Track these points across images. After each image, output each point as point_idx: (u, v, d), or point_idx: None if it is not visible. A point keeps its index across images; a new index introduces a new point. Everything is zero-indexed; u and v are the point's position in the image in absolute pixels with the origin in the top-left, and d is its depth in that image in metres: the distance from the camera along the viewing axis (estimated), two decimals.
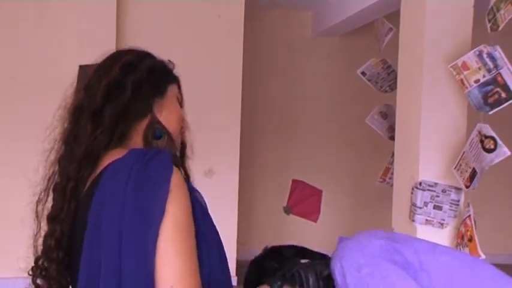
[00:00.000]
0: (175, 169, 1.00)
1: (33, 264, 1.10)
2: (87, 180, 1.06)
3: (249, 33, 4.09)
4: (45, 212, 1.10)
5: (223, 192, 3.79)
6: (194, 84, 3.80)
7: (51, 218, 1.07)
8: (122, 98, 1.08)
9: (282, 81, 4.86)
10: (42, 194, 1.11)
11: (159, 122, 1.12)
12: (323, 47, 4.90)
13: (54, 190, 1.09)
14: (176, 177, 0.99)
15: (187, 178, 1.21)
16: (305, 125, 4.83)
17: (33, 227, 1.11)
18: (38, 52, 3.57)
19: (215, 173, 3.82)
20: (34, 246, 1.10)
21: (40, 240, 1.09)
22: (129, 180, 0.96)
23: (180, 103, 1.22)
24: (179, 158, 1.22)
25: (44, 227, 1.09)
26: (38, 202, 1.11)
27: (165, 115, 1.14)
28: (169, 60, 1.21)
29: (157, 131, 1.11)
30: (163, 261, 0.95)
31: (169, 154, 1.03)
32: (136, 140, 1.10)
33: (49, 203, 1.10)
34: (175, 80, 1.21)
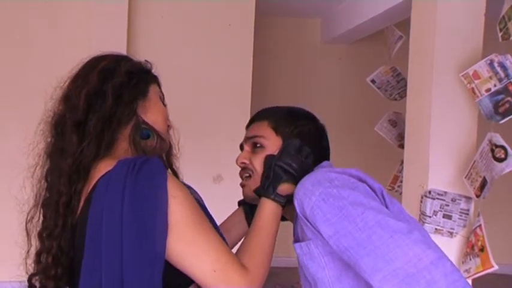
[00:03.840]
0: (168, 173, 1.00)
1: (26, 283, 1.08)
2: (81, 195, 1.04)
3: (258, 41, 4.11)
4: (36, 229, 1.08)
5: (232, 198, 3.77)
6: (204, 91, 3.83)
7: (47, 235, 1.05)
8: (104, 106, 1.06)
9: (291, 88, 4.87)
10: (33, 211, 1.09)
11: (145, 123, 1.10)
12: (332, 55, 4.91)
13: (44, 206, 1.07)
14: (171, 181, 0.99)
15: (177, 177, 1.21)
16: None
17: (25, 244, 1.09)
18: (48, 53, 3.61)
19: (224, 179, 3.82)
20: (26, 264, 1.09)
21: (31, 258, 1.08)
22: (124, 196, 0.95)
23: (163, 102, 1.20)
24: (165, 157, 1.21)
25: (35, 244, 1.07)
26: (28, 220, 1.09)
27: (151, 115, 1.12)
28: (146, 60, 1.19)
29: (144, 131, 1.10)
30: (192, 261, 0.97)
31: (158, 160, 1.01)
32: (124, 146, 1.08)
33: (40, 219, 1.08)
34: (155, 79, 1.19)
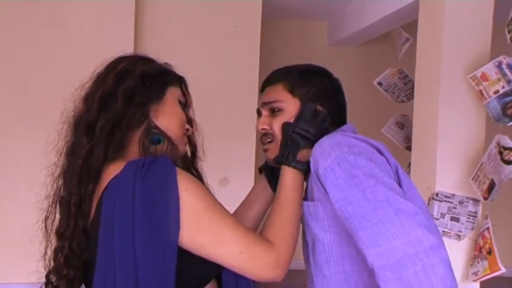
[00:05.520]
0: (178, 170, 1.00)
1: (44, 279, 1.10)
2: (93, 198, 1.04)
3: (265, 43, 4.11)
4: (54, 226, 1.09)
5: (239, 200, 3.78)
6: (211, 93, 3.84)
7: (59, 234, 1.07)
8: (114, 108, 1.06)
9: None
10: (50, 208, 1.10)
11: (156, 127, 1.09)
12: (339, 57, 4.90)
13: (60, 204, 1.09)
14: (181, 175, 0.99)
15: (201, 180, 1.21)
16: None
17: (43, 241, 1.10)
18: (55, 53, 3.63)
19: (230, 181, 3.83)
20: (44, 261, 1.10)
21: (49, 255, 1.09)
22: (134, 196, 0.95)
23: (185, 104, 1.19)
24: (190, 160, 1.21)
25: (54, 241, 1.09)
26: (46, 217, 1.10)
27: (164, 120, 1.11)
28: (165, 63, 1.19)
29: (154, 136, 1.09)
30: (217, 248, 0.99)
31: (166, 158, 1.01)
32: (135, 149, 1.08)
33: (58, 217, 1.10)
34: (175, 82, 1.17)
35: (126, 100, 1.07)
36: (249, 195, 1.38)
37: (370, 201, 0.99)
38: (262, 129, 1.24)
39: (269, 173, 1.31)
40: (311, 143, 1.14)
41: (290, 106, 1.20)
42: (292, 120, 1.19)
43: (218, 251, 0.99)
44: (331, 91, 1.26)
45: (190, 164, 1.21)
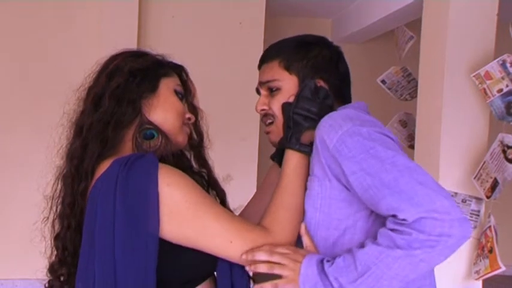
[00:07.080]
0: (161, 166, 0.98)
1: (49, 277, 1.12)
2: (84, 196, 1.05)
3: (269, 40, 4.11)
4: (56, 226, 1.10)
5: (242, 197, 3.78)
6: (213, 89, 3.83)
7: (55, 234, 1.08)
8: (103, 107, 1.05)
9: None
10: (51, 209, 1.11)
11: (149, 122, 1.08)
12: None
13: (58, 205, 1.10)
14: (163, 170, 0.97)
15: (207, 169, 1.20)
16: None
17: (45, 240, 1.12)
18: (59, 54, 3.63)
19: (233, 179, 3.83)
20: (48, 260, 1.12)
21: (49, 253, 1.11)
22: (116, 193, 0.95)
23: (185, 94, 1.16)
24: (197, 149, 1.20)
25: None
26: (47, 217, 1.11)
27: (158, 113, 1.09)
28: (159, 54, 1.17)
29: (147, 131, 1.07)
30: (205, 240, 0.97)
31: (152, 155, 1.00)
32: (129, 146, 1.07)
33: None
34: (170, 72, 1.14)
35: (115, 98, 1.06)
36: (262, 183, 1.35)
37: (388, 170, 0.94)
38: (262, 110, 1.19)
39: (281, 160, 1.30)
40: (315, 123, 1.07)
41: (288, 84, 1.15)
42: (292, 100, 1.12)
43: (207, 243, 0.97)
44: (330, 62, 1.19)
45: (198, 153, 1.20)
